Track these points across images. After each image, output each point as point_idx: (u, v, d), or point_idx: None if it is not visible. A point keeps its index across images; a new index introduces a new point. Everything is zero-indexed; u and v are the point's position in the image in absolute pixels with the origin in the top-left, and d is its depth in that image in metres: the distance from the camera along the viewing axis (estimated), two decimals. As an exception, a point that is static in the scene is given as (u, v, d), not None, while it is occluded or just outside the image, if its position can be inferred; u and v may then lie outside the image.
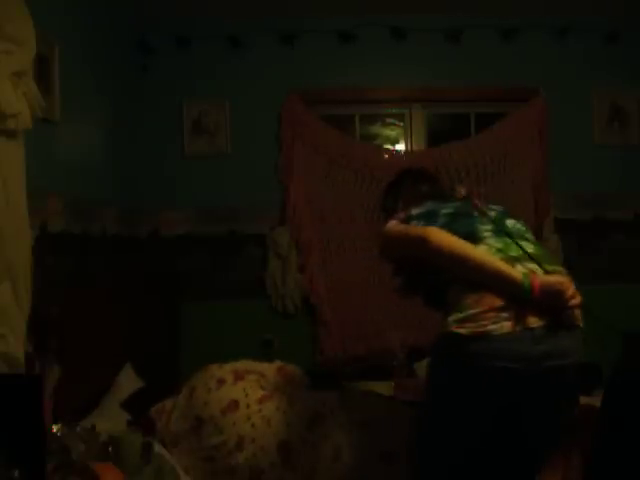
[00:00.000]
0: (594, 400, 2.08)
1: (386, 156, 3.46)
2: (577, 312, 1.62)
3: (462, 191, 1.92)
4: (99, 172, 2.85)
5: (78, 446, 1.69)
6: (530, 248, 1.69)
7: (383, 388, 2.66)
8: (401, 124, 3.66)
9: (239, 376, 2.36)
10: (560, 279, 1.58)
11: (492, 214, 1.82)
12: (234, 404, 2.23)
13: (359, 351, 3.34)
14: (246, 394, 2.27)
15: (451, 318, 1.62)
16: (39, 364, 1.78)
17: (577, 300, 1.59)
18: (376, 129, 3.75)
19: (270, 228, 3.41)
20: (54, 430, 1.70)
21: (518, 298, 1.56)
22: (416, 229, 1.77)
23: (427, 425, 1.74)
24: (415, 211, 1.89)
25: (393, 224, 1.89)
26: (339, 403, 2.20)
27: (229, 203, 3.45)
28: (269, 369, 2.46)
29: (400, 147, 3.66)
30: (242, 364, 2.47)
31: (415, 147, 3.57)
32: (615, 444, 1.93)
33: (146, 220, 3.40)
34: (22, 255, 1.77)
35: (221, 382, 2.32)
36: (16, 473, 1.41)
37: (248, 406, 2.22)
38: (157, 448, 1.97)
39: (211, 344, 3.26)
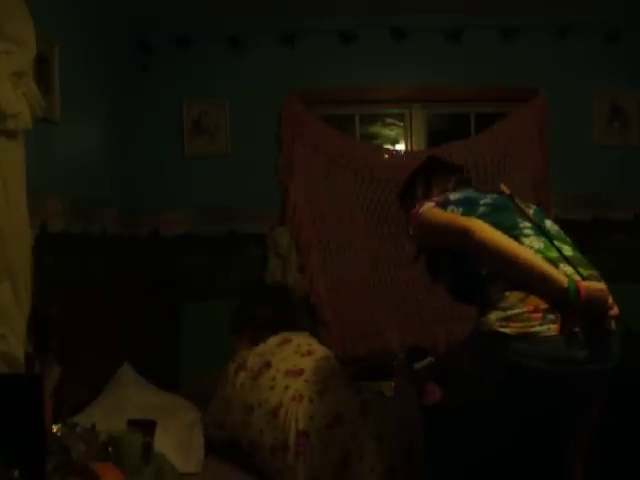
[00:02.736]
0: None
1: (386, 156, 3.46)
2: (612, 322, 1.61)
3: (506, 189, 1.86)
4: (99, 172, 2.85)
5: (78, 446, 1.69)
6: (567, 251, 1.67)
7: (383, 388, 2.66)
8: (401, 124, 3.66)
9: (327, 358, 2.40)
10: (603, 288, 1.57)
11: (530, 212, 1.78)
12: (299, 372, 2.27)
13: (359, 351, 3.33)
14: (315, 372, 2.28)
15: (493, 316, 1.58)
16: (39, 364, 1.78)
17: (615, 311, 1.59)
18: (376, 129, 3.75)
19: (270, 228, 3.41)
20: (54, 430, 1.70)
21: (560, 302, 1.55)
22: (461, 220, 1.71)
23: (458, 423, 1.68)
24: (453, 196, 1.84)
25: (430, 208, 1.81)
26: (360, 411, 2.14)
27: (229, 203, 3.45)
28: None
29: (400, 147, 3.67)
30: (332, 355, 2.49)
31: (415, 147, 3.57)
32: (615, 444, 1.93)
33: (146, 220, 3.40)
34: (22, 255, 1.77)
35: (310, 353, 2.38)
36: (16, 473, 1.41)
37: (306, 381, 2.24)
38: (157, 448, 1.98)
39: (211, 344, 3.25)
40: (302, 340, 2.47)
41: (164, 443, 2.07)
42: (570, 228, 3.61)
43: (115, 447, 1.82)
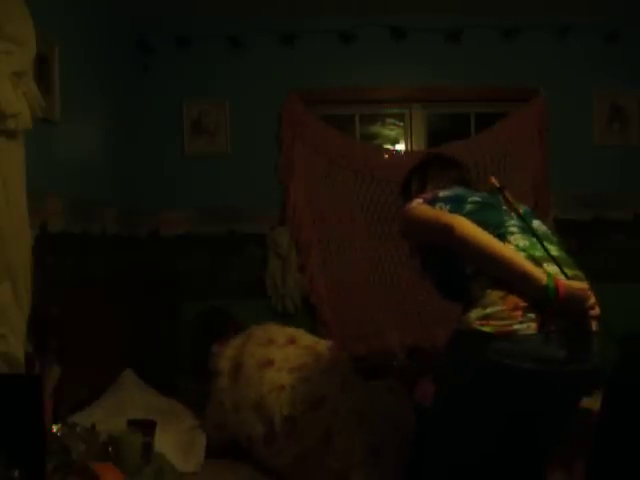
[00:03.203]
0: (593, 401, 2.08)
1: (386, 156, 3.47)
2: (594, 322, 1.59)
3: (495, 182, 1.84)
4: (99, 172, 2.85)
5: (78, 446, 1.69)
6: (554, 251, 1.66)
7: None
8: (401, 124, 3.66)
9: (291, 340, 2.48)
10: (584, 287, 1.56)
11: (520, 211, 1.78)
12: (269, 363, 2.34)
13: (359, 351, 3.33)
14: (286, 359, 2.36)
15: (473, 314, 1.57)
16: (39, 364, 1.78)
17: (596, 311, 1.57)
18: (376, 129, 3.75)
19: (270, 228, 3.42)
20: (54, 430, 1.70)
21: (539, 300, 1.53)
22: (444, 216, 1.71)
23: (443, 424, 1.68)
24: (442, 193, 1.83)
25: (419, 204, 1.82)
26: (341, 387, 2.25)
27: (229, 203, 3.45)
28: (322, 345, 2.54)
29: (400, 147, 3.66)
30: (300, 333, 2.58)
31: (415, 147, 3.57)
32: (615, 445, 1.93)
33: (146, 220, 3.40)
34: (22, 255, 1.77)
35: (272, 341, 2.46)
36: (16, 473, 1.41)
37: (280, 370, 2.32)
38: (157, 448, 1.98)
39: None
40: (260, 332, 2.54)
41: (164, 443, 2.07)
42: (570, 228, 3.63)
43: (115, 447, 1.82)
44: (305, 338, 2.55)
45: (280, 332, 2.54)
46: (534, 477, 1.77)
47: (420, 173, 2.09)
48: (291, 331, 2.57)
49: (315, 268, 3.40)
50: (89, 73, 2.72)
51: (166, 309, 3.26)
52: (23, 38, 1.75)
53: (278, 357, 2.37)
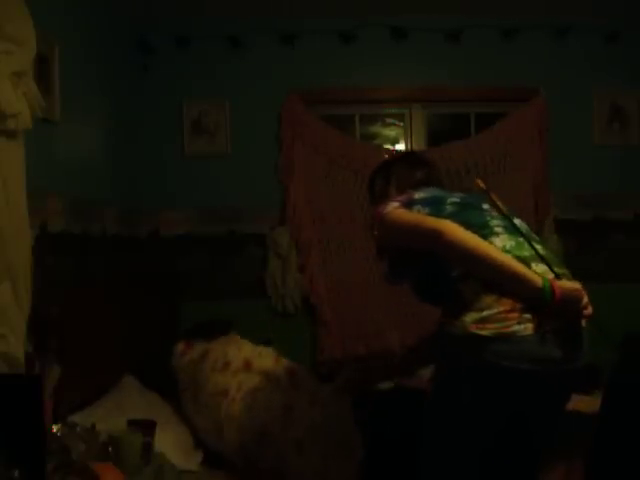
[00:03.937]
0: (593, 401, 2.08)
1: (386, 156, 3.45)
2: (583, 320, 1.59)
3: (481, 183, 1.78)
4: (99, 172, 2.85)
5: (78, 446, 1.69)
6: (541, 250, 1.64)
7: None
8: (401, 124, 3.66)
9: (247, 365, 2.46)
10: (577, 287, 1.55)
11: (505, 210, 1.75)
12: (224, 393, 2.36)
13: (359, 351, 3.34)
14: (239, 388, 2.37)
15: (468, 318, 1.55)
16: (39, 364, 1.78)
17: (589, 311, 1.57)
18: (376, 129, 3.75)
19: (270, 228, 3.41)
20: (54, 430, 1.70)
21: (534, 301, 1.52)
22: (429, 221, 1.66)
23: (440, 427, 1.66)
24: (418, 195, 1.78)
25: (395, 208, 1.76)
26: (283, 423, 2.28)
27: (229, 203, 3.45)
28: (278, 369, 2.50)
29: (400, 147, 3.66)
30: (258, 354, 2.54)
31: (415, 147, 3.57)
32: (615, 445, 1.93)
33: (146, 220, 3.40)
34: (22, 255, 1.77)
35: (227, 365, 2.44)
36: (16, 473, 1.41)
37: (233, 400, 2.34)
38: (157, 448, 1.98)
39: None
40: (218, 353, 2.51)
41: (164, 442, 2.08)
42: (570, 228, 3.63)
43: (115, 447, 1.82)
44: (261, 362, 2.48)
45: (237, 354, 2.49)
46: (528, 477, 1.77)
47: (384, 172, 2.04)
48: (249, 352, 2.51)
49: (315, 268, 3.40)
50: (89, 73, 2.72)
51: (166, 309, 3.26)
52: (23, 38, 1.75)
53: (232, 386, 2.38)
